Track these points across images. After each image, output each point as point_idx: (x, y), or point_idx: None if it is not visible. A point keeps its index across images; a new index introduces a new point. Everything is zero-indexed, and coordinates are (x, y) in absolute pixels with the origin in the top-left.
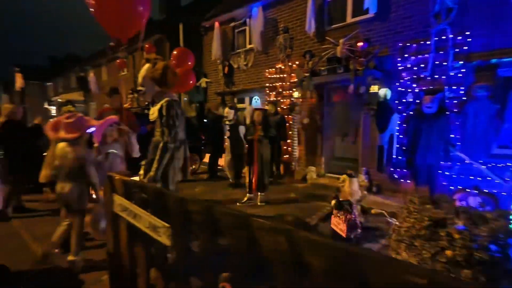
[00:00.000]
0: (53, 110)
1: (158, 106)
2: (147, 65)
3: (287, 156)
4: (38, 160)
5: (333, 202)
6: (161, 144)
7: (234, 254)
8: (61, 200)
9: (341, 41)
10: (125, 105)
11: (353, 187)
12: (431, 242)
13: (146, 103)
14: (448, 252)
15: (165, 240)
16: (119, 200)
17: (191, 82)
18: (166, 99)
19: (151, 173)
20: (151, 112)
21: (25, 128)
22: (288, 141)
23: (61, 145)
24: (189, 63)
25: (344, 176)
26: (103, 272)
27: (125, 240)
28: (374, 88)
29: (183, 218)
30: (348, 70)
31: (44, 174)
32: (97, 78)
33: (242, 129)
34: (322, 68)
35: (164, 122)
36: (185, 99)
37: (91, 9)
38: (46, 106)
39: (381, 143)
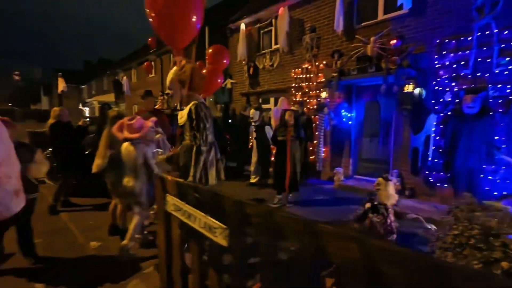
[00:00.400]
0: (87, 111)
1: (186, 109)
2: (174, 68)
3: (313, 157)
4: (82, 158)
5: (367, 205)
6: (194, 148)
7: (298, 259)
8: (125, 193)
9: (372, 39)
10: (156, 107)
11: (389, 190)
12: (482, 252)
13: (176, 105)
14: (504, 264)
15: (221, 240)
16: (172, 200)
17: (219, 81)
18: (193, 102)
19: (190, 178)
20: (179, 116)
21: (71, 128)
22: (314, 141)
23: (125, 144)
24: (225, 61)
25: (380, 179)
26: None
27: (177, 238)
28: (408, 88)
29: (240, 221)
30: (380, 69)
31: (96, 164)
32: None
33: (267, 130)
34: (352, 68)
35: (195, 126)
36: (211, 99)
37: (150, 20)
38: (80, 107)
39: (416, 145)
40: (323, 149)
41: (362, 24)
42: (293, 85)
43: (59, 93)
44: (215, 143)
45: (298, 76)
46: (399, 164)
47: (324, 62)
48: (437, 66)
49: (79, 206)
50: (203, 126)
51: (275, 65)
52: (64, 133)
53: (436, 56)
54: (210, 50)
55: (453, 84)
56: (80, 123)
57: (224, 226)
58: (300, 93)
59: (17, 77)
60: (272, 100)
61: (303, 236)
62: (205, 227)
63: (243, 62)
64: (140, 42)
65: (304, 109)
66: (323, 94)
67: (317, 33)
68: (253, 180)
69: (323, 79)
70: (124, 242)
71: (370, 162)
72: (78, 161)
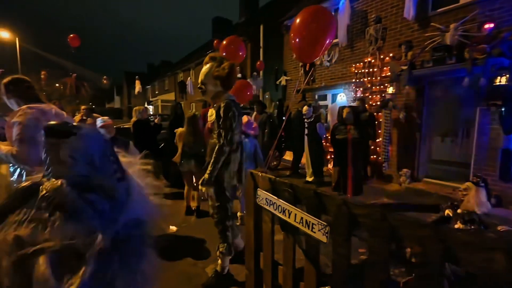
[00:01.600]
0: (151, 109)
1: (216, 107)
2: (210, 64)
3: (375, 156)
4: (158, 151)
5: (447, 211)
6: (216, 147)
7: (423, 265)
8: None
9: (451, 26)
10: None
11: (481, 197)
12: None
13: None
14: None
15: (320, 237)
16: (263, 194)
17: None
18: (225, 99)
19: (205, 176)
20: (209, 113)
21: (150, 125)
22: (378, 140)
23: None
24: (240, 53)
25: (469, 183)
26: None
27: (268, 231)
28: (500, 80)
29: (345, 221)
30: (462, 59)
31: (178, 155)
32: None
33: (320, 127)
34: (425, 59)
35: (221, 124)
36: (267, 96)
37: (292, 41)
38: (146, 106)
39: (508, 146)
40: (389, 149)
41: (439, 10)
42: (354, 80)
43: (135, 94)
44: (241, 143)
45: (360, 71)
46: (482, 168)
47: (391, 55)
48: None
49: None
50: (229, 126)
51: (333, 60)
52: (144, 129)
53: None
54: (224, 42)
55: None
56: (156, 120)
57: (324, 223)
58: (361, 88)
59: (105, 81)
60: (329, 96)
61: (429, 241)
62: (301, 222)
63: None
64: (196, 45)
65: (366, 105)
66: (389, 89)
67: (383, 23)
68: (309, 179)
69: (389, 73)
70: None
71: (443, 164)
72: (155, 153)
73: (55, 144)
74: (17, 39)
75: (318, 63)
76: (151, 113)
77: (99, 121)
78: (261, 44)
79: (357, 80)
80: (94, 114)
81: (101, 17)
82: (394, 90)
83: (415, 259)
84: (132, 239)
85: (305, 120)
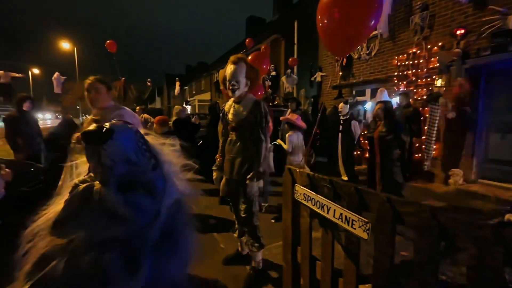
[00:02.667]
0: (188, 108)
1: (246, 105)
2: (242, 64)
3: (419, 154)
4: (197, 149)
5: (507, 216)
6: (260, 144)
7: (479, 269)
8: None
9: None
10: None
11: None
12: None
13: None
14: None
15: (361, 233)
16: (301, 190)
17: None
18: (257, 101)
19: (255, 171)
20: (232, 111)
21: (189, 124)
22: (423, 137)
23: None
24: (264, 66)
25: None
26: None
27: (306, 226)
28: None
29: (389, 219)
30: None
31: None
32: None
33: (354, 125)
34: (482, 47)
35: (263, 123)
36: (301, 93)
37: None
38: (184, 105)
39: None
40: (434, 147)
41: None
42: (396, 73)
43: (175, 94)
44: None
45: (403, 63)
46: None
47: (440, 44)
48: None
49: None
50: (267, 122)
51: (372, 53)
52: (183, 128)
53: None
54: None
55: None
56: (193, 120)
57: (365, 220)
58: (404, 82)
59: (149, 83)
60: (368, 92)
61: (487, 243)
62: (341, 218)
63: None
64: (230, 45)
65: (410, 100)
66: (438, 82)
67: (430, 10)
68: (344, 178)
69: (437, 64)
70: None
71: (502, 164)
72: (194, 150)
73: (95, 150)
74: (75, 49)
75: (356, 57)
76: (189, 112)
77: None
78: (295, 41)
79: (400, 74)
80: (144, 115)
81: (144, 25)
82: (443, 83)
83: (469, 262)
84: (177, 226)
85: (340, 118)
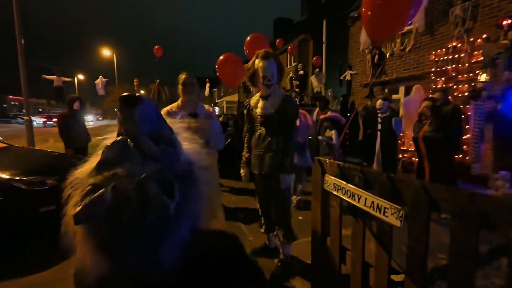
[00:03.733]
0: (216, 110)
1: (275, 100)
2: (273, 59)
3: (460, 156)
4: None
5: None
6: (290, 139)
7: None
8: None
9: None
10: None
11: None
12: None
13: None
14: None
15: (394, 221)
16: (331, 180)
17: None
18: (287, 95)
19: (288, 166)
20: (260, 105)
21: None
22: (465, 137)
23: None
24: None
25: None
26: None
27: (336, 215)
28: None
29: (425, 206)
30: None
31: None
32: None
33: (396, 122)
34: None
35: (293, 118)
36: (329, 93)
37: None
38: (213, 107)
39: None
40: (481, 147)
41: None
42: (433, 69)
43: (205, 96)
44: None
45: (441, 58)
46: None
47: (484, 36)
48: None
49: (223, 187)
50: (296, 117)
51: (407, 49)
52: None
53: None
54: (248, 39)
55: None
56: (221, 119)
57: (398, 207)
58: (443, 78)
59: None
60: (402, 89)
61: None
62: (372, 206)
63: (366, 51)
64: None
65: (449, 97)
66: (482, 77)
67: (473, 1)
68: None
69: (481, 58)
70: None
71: None
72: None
73: (128, 111)
74: (114, 55)
75: (389, 53)
76: (217, 113)
77: None
78: (324, 40)
79: (438, 69)
80: None
81: (176, 32)
82: (488, 78)
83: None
84: (193, 171)
85: (379, 115)
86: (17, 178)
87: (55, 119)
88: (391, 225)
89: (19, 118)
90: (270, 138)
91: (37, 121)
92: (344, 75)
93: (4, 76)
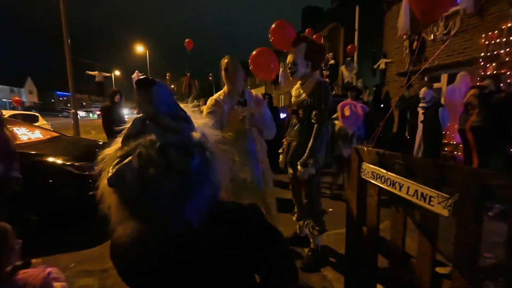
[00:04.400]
0: None
1: (308, 87)
2: (302, 44)
3: None
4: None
5: None
6: (315, 128)
7: None
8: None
9: None
10: None
11: None
12: None
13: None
14: None
15: (441, 210)
16: (369, 168)
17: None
18: (319, 81)
19: (305, 157)
20: (295, 93)
21: None
22: None
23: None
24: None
25: None
26: None
27: (374, 204)
28: None
29: (478, 193)
30: None
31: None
32: None
33: (443, 113)
34: None
35: (322, 105)
36: (360, 84)
37: None
38: None
39: None
40: None
41: None
42: (482, 54)
43: None
44: (329, 124)
45: (493, 42)
46: None
47: None
48: None
49: None
50: (326, 105)
51: (452, 33)
52: None
53: None
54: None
55: None
56: None
57: (446, 195)
58: (494, 64)
59: (210, 78)
60: (444, 77)
61: None
62: (415, 195)
63: (404, 37)
64: None
65: (501, 84)
66: None
67: None
68: None
69: None
70: None
71: None
72: None
73: (145, 92)
74: (147, 51)
75: (430, 38)
76: None
77: None
78: (356, 27)
79: (488, 54)
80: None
81: (205, 23)
82: None
83: None
84: (209, 143)
85: (421, 105)
86: (69, 163)
87: (98, 112)
88: (437, 214)
89: (65, 111)
90: (298, 127)
91: (81, 114)
92: (378, 63)
93: (53, 74)
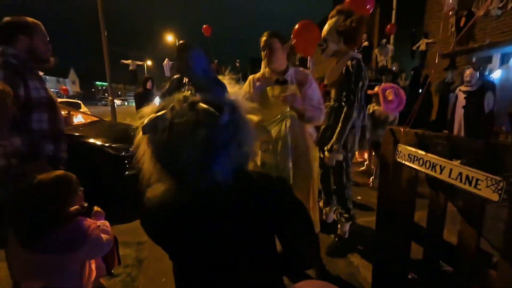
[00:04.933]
0: None
1: (340, 65)
2: (336, 17)
3: None
4: None
5: None
6: (344, 110)
7: None
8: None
9: None
10: None
11: None
12: None
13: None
14: None
15: (490, 194)
16: (405, 150)
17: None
18: (352, 58)
19: (333, 142)
20: (328, 73)
21: None
22: None
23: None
24: (368, 6)
25: None
26: None
27: (409, 189)
28: None
29: None
30: None
31: None
32: None
33: (489, 98)
34: None
35: (350, 85)
36: (394, 68)
37: None
38: None
39: None
40: None
41: None
42: None
43: None
44: (364, 107)
45: None
46: None
47: None
48: None
49: None
50: (361, 86)
51: (508, 7)
52: None
53: None
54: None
55: None
56: None
57: (498, 178)
58: None
59: (237, 64)
60: (496, 58)
61: None
62: (459, 178)
63: (450, 13)
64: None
65: None
66: None
67: None
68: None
69: None
70: None
71: None
72: None
73: (183, 55)
74: (176, 40)
75: (482, 13)
76: None
77: None
78: (394, 5)
79: None
80: None
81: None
82: None
83: None
84: (239, 107)
85: (464, 89)
86: (107, 144)
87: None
88: (485, 199)
89: (104, 100)
90: (329, 109)
91: (117, 102)
92: (417, 44)
93: (93, 65)
